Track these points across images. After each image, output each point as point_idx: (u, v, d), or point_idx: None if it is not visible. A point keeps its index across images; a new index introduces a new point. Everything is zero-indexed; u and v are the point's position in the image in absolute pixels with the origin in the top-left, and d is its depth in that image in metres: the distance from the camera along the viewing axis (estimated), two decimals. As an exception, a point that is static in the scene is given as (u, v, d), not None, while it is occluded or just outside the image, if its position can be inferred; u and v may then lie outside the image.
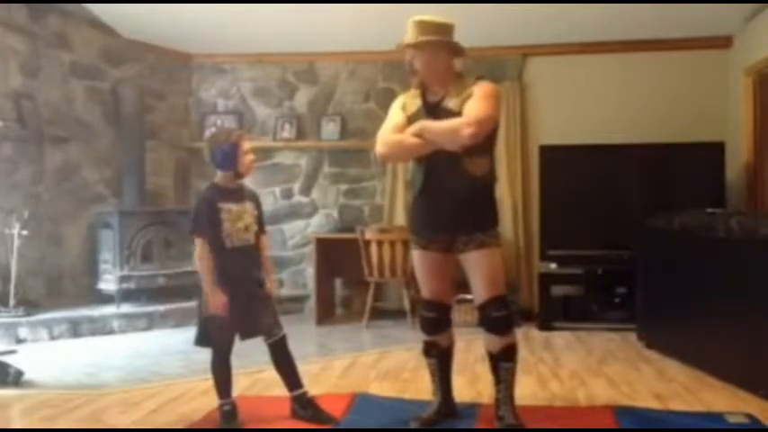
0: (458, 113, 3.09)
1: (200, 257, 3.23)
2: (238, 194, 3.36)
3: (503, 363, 3.19)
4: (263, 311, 3.35)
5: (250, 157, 3.35)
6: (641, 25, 6.06)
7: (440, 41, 3.12)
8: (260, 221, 3.43)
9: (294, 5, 5.59)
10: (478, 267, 3.16)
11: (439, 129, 3.08)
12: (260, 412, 3.50)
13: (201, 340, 3.31)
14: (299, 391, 3.39)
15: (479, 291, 3.18)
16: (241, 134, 3.43)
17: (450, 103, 3.15)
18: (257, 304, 3.34)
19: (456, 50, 3.20)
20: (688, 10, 5.60)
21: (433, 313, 3.34)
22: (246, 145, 3.34)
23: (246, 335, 3.34)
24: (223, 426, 3.32)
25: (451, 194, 3.15)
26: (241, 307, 3.27)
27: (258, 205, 3.45)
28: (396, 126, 3.24)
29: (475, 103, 3.08)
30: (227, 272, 3.25)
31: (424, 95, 3.26)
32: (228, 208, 3.27)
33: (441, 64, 3.18)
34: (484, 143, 3.13)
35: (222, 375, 3.33)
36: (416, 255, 3.34)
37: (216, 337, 3.29)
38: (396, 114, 3.29)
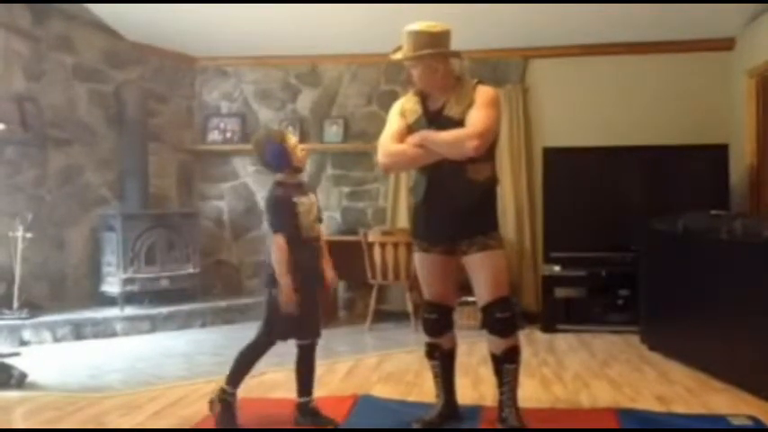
0: (459, 122, 3.09)
1: (280, 254, 3.18)
2: (304, 188, 3.37)
3: (506, 364, 3.18)
4: (317, 312, 3.36)
5: (301, 148, 3.33)
6: (643, 27, 6.05)
7: (436, 54, 3.10)
8: (320, 213, 3.44)
9: (296, 7, 5.60)
10: (481, 269, 3.15)
11: (442, 140, 3.06)
12: (263, 414, 3.50)
13: (265, 331, 3.28)
14: (306, 399, 3.38)
15: (482, 293, 3.17)
16: (282, 131, 3.43)
17: (452, 111, 3.14)
18: (316, 303, 3.34)
19: (453, 55, 3.18)
20: (690, 12, 5.60)
21: (435, 315, 3.34)
22: (293, 139, 3.33)
23: (302, 335, 3.34)
24: (220, 420, 3.27)
25: (454, 201, 3.15)
26: (308, 302, 3.26)
27: (316, 197, 3.45)
28: (395, 134, 3.22)
29: (477, 114, 3.07)
30: (302, 265, 3.24)
31: (424, 102, 3.26)
32: (302, 201, 3.27)
33: (438, 75, 3.16)
34: (486, 149, 3.15)
35: (247, 366, 3.30)
36: (418, 257, 3.34)
37: (277, 329, 3.26)
38: (395, 121, 3.28)
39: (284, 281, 3.17)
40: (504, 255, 3.24)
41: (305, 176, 6.41)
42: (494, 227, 3.22)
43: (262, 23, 6.08)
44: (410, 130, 3.20)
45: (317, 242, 3.35)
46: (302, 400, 3.38)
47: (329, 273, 3.39)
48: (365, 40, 6.38)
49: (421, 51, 3.08)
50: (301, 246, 3.24)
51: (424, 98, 3.27)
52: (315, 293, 3.33)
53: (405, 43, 3.14)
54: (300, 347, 3.37)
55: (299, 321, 3.26)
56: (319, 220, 3.39)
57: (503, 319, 3.15)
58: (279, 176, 3.33)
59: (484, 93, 3.15)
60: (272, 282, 3.23)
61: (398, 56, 3.17)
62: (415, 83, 3.26)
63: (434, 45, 3.09)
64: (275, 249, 3.21)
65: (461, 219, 3.14)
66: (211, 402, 3.30)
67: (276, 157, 3.26)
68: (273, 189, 3.33)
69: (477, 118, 3.06)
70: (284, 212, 3.24)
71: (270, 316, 3.28)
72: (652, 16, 5.72)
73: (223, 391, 3.28)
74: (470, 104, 3.11)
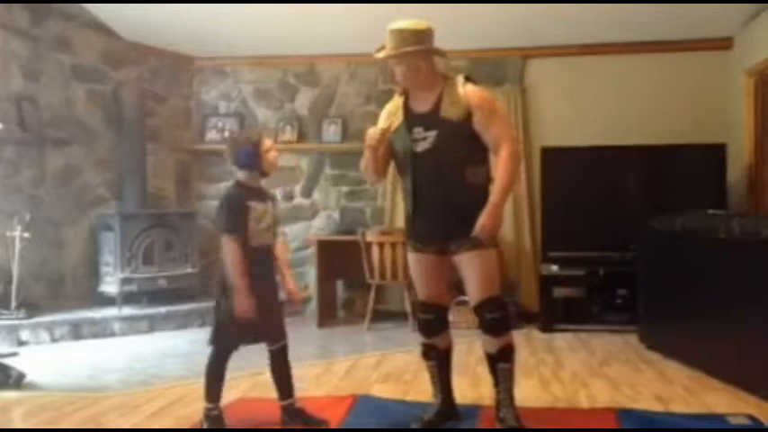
0: (460, 123, 3.09)
1: (234, 257, 3.15)
2: (262, 194, 3.35)
3: (500, 363, 3.18)
4: (272, 316, 3.34)
5: (273, 153, 3.33)
6: (642, 27, 6.05)
7: (416, 51, 3.09)
8: (277, 222, 3.42)
9: (294, 6, 5.59)
10: (472, 269, 3.14)
11: (508, 188, 3.10)
12: (261, 414, 3.49)
13: (213, 339, 3.26)
14: (290, 401, 3.38)
15: (473, 292, 3.17)
16: (261, 133, 3.42)
17: (449, 113, 3.12)
18: (271, 309, 3.32)
19: (436, 53, 3.17)
20: (688, 11, 5.60)
21: (430, 315, 3.33)
22: (268, 142, 3.33)
23: (255, 339, 3.32)
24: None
25: (450, 204, 3.13)
26: (257, 309, 3.22)
27: (275, 206, 3.44)
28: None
29: (493, 129, 3.10)
30: (250, 273, 3.20)
31: (407, 106, 3.25)
32: (255, 207, 3.25)
33: (421, 73, 3.15)
34: (482, 151, 3.16)
35: (217, 378, 3.26)
36: (411, 258, 3.34)
37: (226, 338, 3.24)
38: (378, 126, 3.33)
39: (239, 282, 3.13)
40: (496, 253, 3.23)
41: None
42: None
43: (260, 23, 6.07)
44: (392, 135, 3.24)
45: (269, 252, 3.32)
46: (285, 402, 3.37)
47: (290, 284, 3.39)
48: (363, 39, 6.29)
49: (403, 49, 3.08)
50: (249, 253, 3.20)
51: (406, 101, 3.25)
52: (268, 300, 3.29)
53: (388, 42, 3.13)
54: (270, 352, 3.36)
55: (253, 328, 3.23)
56: (274, 233, 3.35)
57: (493, 320, 3.14)
58: (240, 176, 3.32)
59: (480, 98, 3.13)
60: (223, 291, 3.22)
61: (381, 54, 3.17)
62: (398, 82, 3.25)
63: (417, 43, 3.09)
64: (228, 252, 3.17)
65: (455, 219, 3.12)
66: (201, 422, 3.28)
67: (248, 156, 3.26)
68: (231, 189, 3.33)
69: (498, 133, 3.10)
70: (235, 213, 3.21)
71: (220, 326, 3.24)
72: (650, 16, 5.71)
73: (207, 409, 3.26)
74: (467, 107, 3.10)
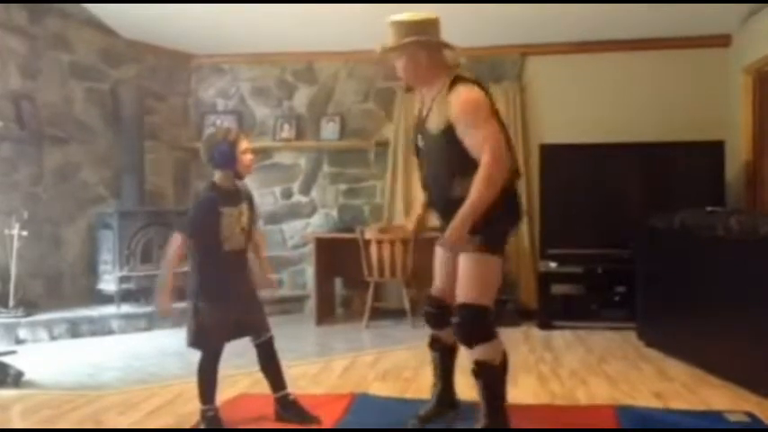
0: (440, 134, 2.93)
1: (170, 253, 3.21)
2: (236, 196, 3.31)
3: (475, 378, 2.99)
4: (252, 312, 3.35)
5: (249, 156, 3.28)
6: (640, 24, 6.05)
7: (416, 42, 2.93)
8: (254, 220, 3.41)
9: (292, 4, 5.59)
10: (462, 269, 3.00)
11: (481, 198, 2.80)
12: (262, 410, 3.48)
13: (196, 342, 3.25)
14: (282, 393, 3.38)
15: (458, 292, 3.02)
16: (239, 133, 3.36)
17: (430, 123, 2.99)
18: (249, 305, 3.33)
19: (438, 44, 3.00)
20: (687, 8, 5.59)
21: (432, 309, 3.33)
22: (244, 144, 3.27)
23: (235, 335, 3.32)
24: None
25: (447, 206, 3.02)
26: (236, 309, 3.25)
27: (252, 204, 3.41)
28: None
29: (475, 133, 2.84)
30: (224, 275, 3.22)
31: (420, 108, 3.18)
32: (229, 212, 3.23)
33: (421, 67, 2.99)
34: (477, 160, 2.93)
35: (210, 379, 3.25)
36: (437, 250, 3.28)
37: (212, 339, 3.24)
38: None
39: (161, 280, 3.21)
40: (495, 262, 2.99)
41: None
42: (486, 235, 2.94)
43: (258, 20, 6.06)
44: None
45: (243, 255, 3.32)
46: (279, 394, 3.38)
47: (269, 271, 3.53)
48: (361, 36, 6.33)
49: (402, 40, 2.93)
50: (222, 256, 3.21)
51: (421, 102, 3.18)
52: (246, 296, 3.31)
53: (388, 36, 3.00)
54: (257, 347, 3.36)
55: (236, 325, 3.27)
56: (251, 232, 3.37)
57: (456, 325, 2.99)
58: (216, 177, 3.29)
59: (461, 105, 2.88)
60: (199, 295, 3.22)
61: (380, 48, 3.05)
62: (399, 77, 3.14)
63: (417, 34, 2.93)
64: (170, 245, 3.22)
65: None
66: (198, 423, 3.29)
67: (223, 156, 3.22)
68: (204, 192, 3.32)
69: (478, 140, 2.83)
70: (201, 219, 3.21)
71: (198, 327, 3.22)
72: (649, 13, 5.71)
73: (203, 410, 3.26)
74: (447, 117, 2.89)
